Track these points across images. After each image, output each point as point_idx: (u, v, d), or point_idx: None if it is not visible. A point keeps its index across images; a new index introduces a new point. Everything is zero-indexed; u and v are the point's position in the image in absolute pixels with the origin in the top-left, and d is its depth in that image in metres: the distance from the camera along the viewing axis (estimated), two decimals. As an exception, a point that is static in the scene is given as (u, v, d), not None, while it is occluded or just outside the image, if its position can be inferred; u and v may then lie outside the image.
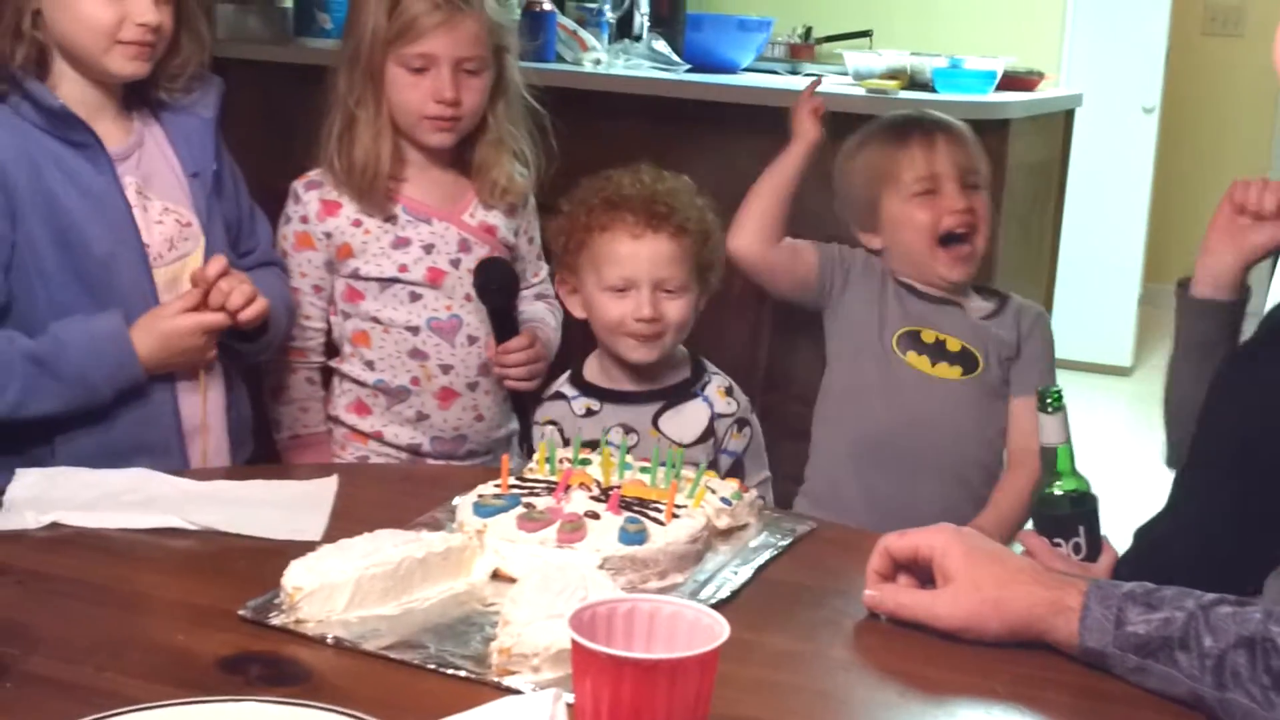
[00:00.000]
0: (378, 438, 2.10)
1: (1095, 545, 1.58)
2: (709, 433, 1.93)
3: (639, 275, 1.87)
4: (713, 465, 1.92)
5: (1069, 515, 1.58)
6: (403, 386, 2.07)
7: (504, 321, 2.03)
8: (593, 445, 1.86)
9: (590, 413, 1.94)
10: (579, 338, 2.08)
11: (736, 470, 1.95)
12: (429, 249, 2.07)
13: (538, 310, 2.19)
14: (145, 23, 1.75)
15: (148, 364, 1.76)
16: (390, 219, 2.07)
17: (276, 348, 2.02)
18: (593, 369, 1.98)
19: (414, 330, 2.07)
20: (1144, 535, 1.59)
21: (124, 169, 1.80)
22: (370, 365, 2.09)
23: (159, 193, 1.83)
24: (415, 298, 2.07)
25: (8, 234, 1.72)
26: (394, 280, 2.06)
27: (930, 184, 2.04)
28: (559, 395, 1.98)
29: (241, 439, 1.97)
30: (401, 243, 2.06)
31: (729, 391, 1.97)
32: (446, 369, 2.08)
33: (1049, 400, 1.56)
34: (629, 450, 1.83)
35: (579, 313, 1.97)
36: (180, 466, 1.81)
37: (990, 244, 2.10)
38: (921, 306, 2.09)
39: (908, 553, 1.31)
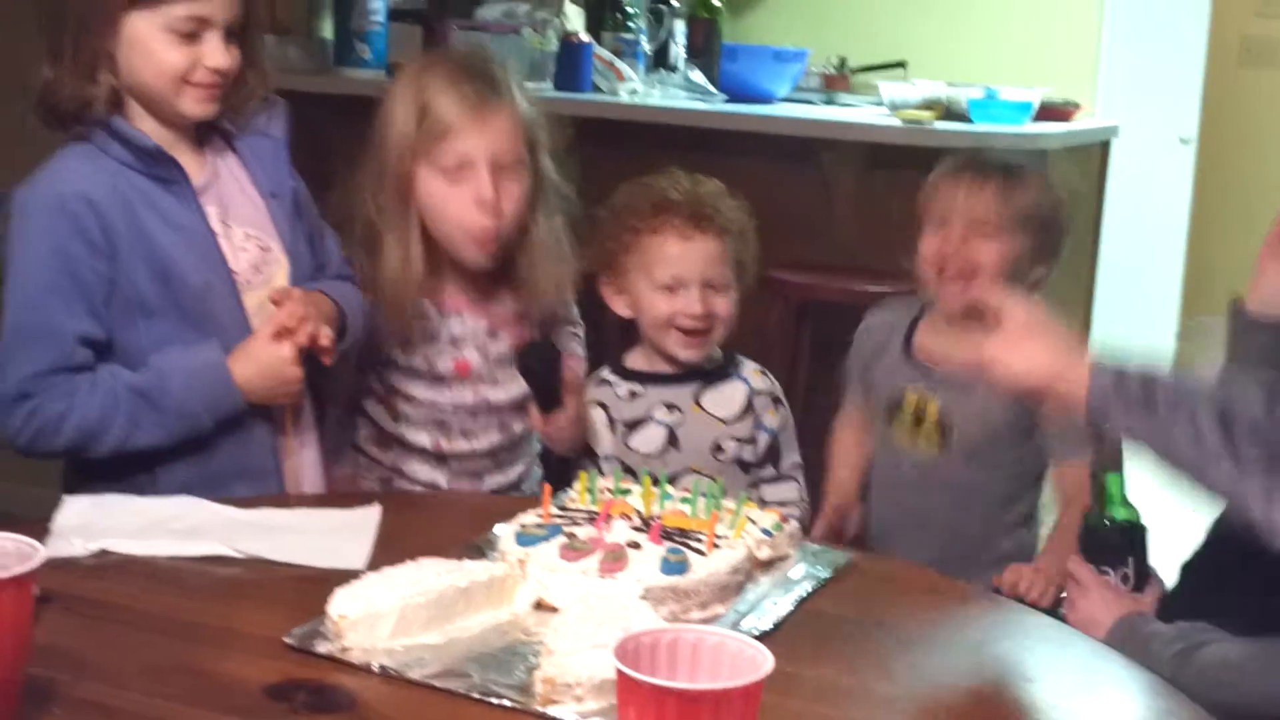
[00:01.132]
0: (397, 471, 2.07)
1: (1143, 576, 1.57)
2: (748, 408, 2.03)
3: (689, 274, 1.97)
4: (751, 441, 2.01)
5: (1118, 545, 1.57)
6: (424, 447, 2.04)
7: (548, 395, 1.96)
8: (637, 425, 1.98)
9: (634, 395, 2.03)
10: (616, 333, 2.16)
11: (773, 450, 2.05)
12: (456, 343, 2.02)
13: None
14: (216, 67, 1.76)
15: (247, 392, 1.77)
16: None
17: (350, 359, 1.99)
18: (636, 359, 2.07)
19: (438, 407, 2.03)
20: (1189, 570, 1.57)
21: (205, 200, 1.82)
22: (394, 418, 2.05)
23: (238, 219, 1.85)
24: (439, 382, 2.02)
25: (106, 272, 1.74)
26: (419, 372, 2.02)
27: (943, 223, 2.05)
28: (603, 381, 2.06)
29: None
30: (428, 338, 2.01)
31: (762, 372, 2.09)
32: (468, 434, 2.05)
33: None
34: (675, 428, 1.96)
35: (625, 312, 2.05)
36: (277, 490, 1.82)
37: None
38: (915, 374, 2.08)
39: None
